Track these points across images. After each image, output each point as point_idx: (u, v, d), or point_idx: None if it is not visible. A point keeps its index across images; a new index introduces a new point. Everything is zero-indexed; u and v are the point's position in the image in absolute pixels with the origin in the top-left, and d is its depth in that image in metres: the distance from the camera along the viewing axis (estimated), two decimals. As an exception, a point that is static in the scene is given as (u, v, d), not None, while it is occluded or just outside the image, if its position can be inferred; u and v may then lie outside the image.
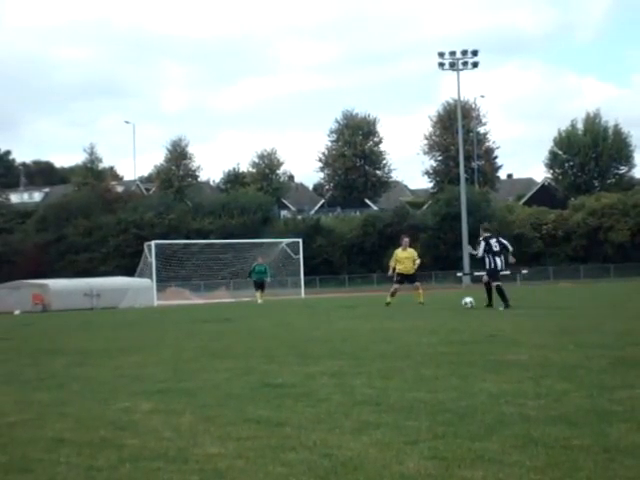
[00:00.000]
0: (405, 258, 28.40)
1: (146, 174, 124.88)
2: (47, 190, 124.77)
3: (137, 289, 48.73)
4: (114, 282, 52.18)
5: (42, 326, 25.58)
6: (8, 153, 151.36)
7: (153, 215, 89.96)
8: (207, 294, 57.97)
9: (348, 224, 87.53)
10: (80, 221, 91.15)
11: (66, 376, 10.45)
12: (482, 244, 24.14)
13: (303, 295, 53.06)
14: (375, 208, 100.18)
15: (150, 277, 50.70)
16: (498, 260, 23.96)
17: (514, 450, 5.37)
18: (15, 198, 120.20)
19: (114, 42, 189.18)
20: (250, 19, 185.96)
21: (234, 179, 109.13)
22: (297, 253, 56.87)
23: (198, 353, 12.78)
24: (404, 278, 28.28)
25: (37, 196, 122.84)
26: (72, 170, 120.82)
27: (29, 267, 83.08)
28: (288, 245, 58.69)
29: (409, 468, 5.04)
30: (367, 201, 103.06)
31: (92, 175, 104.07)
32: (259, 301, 41.24)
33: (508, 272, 25.24)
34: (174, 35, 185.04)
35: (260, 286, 42.80)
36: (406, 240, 28.88)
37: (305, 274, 57.93)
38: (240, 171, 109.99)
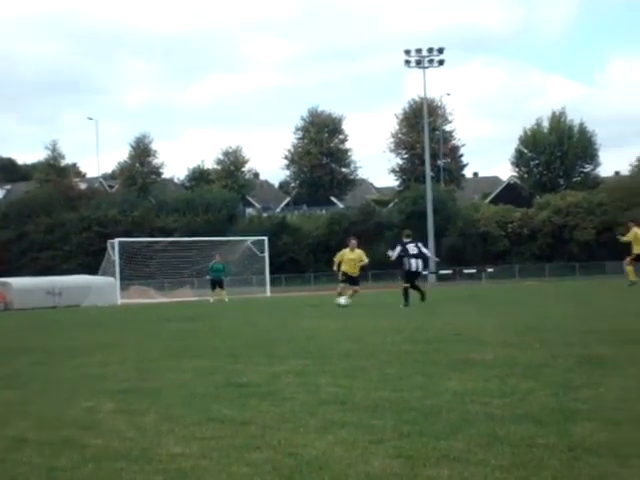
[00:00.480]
0: (351, 259, 28.29)
1: (109, 171, 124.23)
2: (8, 187, 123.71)
3: (100, 287, 48.45)
4: (77, 280, 51.85)
5: (4, 324, 25.39)
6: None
7: (116, 212, 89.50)
8: (171, 293, 57.73)
9: (314, 222, 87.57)
10: (42, 218, 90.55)
11: (29, 375, 10.37)
12: (398, 248, 26.06)
13: (269, 293, 52.99)
14: (341, 206, 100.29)
15: (113, 275, 50.42)
16: (413, 262, 25.74)
17: (479, 449, 5.38)
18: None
19: (78, 37, 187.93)
20: (216, 15, 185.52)
21: (199, 176, 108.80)
22: (262, 251, 56.78)
23: (162, 352, 12.71)
24: (348, 278, 28.23)
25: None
26: (34, 167, 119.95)
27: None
28: (253, 243, 58.57)
29: (374, 467, 5.03)
30: (333, 199, 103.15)
31: (54, 172, 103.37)
32: (211, 300, 41.33)
33: (426, 272, 26.17)
34: (139, 31, 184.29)
35: (217, 284, 42.55)
36: (353, 242, 28.74)
37: (271, 272, 57.88)
38: (205, 168, 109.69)
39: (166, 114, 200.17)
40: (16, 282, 49.27)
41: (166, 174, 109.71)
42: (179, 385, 8.81)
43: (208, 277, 43.31)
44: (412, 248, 25.95)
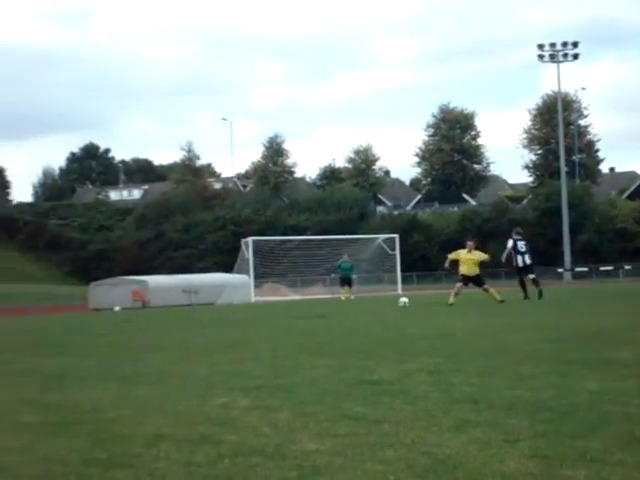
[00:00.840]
0: (468, 259, 27.77)
1: (243, 171, 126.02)
2: (146, 187, 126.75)
3: (234, 285, 49.09)
4: (212, 278, 52.66)
5: (141, 322, 25.96)
6: (108, 151, 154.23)
7: (250, 212, 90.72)
8: (303, 290, 58.14)
9: (445, 219, 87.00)
10: (178, 218, 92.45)
11: (165, 372, 10.55)
12: (510, 242, 28.25)
13: (400, 291, 52.86)
14: (473, 203, 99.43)
15: (247, 273, 51.06)
16: (520, 258, 27.94)
17: (617, 449, 5.24)
18: (115, 195, 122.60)
19: (209, 40, 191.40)
20: (344, 14, 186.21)
21: (330, 175, 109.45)
22: (393, 249, 56.65)
23: (295, 349, 12.79)
24: (468, 280, 27.82)
25: (136, 193, 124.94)
26: (170, 168, 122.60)
27: (128, 264, 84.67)
28: (384, 241, 58.51)
29: (509, 467, 4.95)
30: (465, 196, 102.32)
31: (190, 172, 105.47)
32: (342, 297, 41.41)
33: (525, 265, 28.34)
34: (269, 32, 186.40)
35: (346, 282, 42.71)
36: (470, 244, 28.18)
37: (402, 270, 57.69)
38: (336, 167, 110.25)
39: (297, 113, 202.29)
40: (153, 280, 50.36)
41: (298, 173, 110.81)
42: (312, 382, 8.85)
43: (334, 275, 43.50)
44: (521, 245, 28.03)
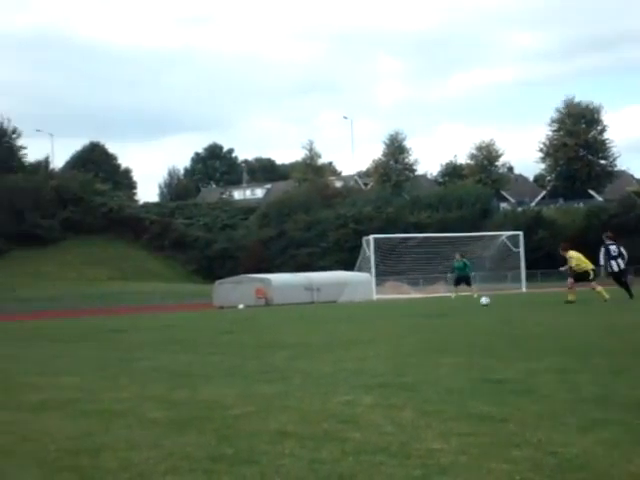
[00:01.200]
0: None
1: (364, 169, 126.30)
2: (268, 186, 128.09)
3: (356, 283, 49.21)
4: (334, 276, 52.89)
5: (264, 320, 26.23)
6: (231, 151, 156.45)
7: (371, 209, 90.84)
8: (425, 288, 57.90)
9: (571, 216, 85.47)
10: (300, 216, 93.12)
11: (288, 369, 10.62)
12: (602, 250, 28.06)
13: (524, 289, 52.20)
14: (599, 199, 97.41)
15: (369, 271, 51.13)
16: (614, 263, 27.81)
17: None
18: (238, 195, 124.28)
19: (329, 39, 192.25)
20: (464, 8, 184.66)
21: (452, 172, 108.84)
22: (517, 246, 55.97)
23: (417, 347, 12.75)
24: (578, 275, 28.19)
25: (259, 192, 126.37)
26: (292, 166, 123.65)
27: (251, 262, 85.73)
28: (508, 238, 57.85)
29: (638, 467, 4.83)
30: (591, 192, 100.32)
31: (311, 171, 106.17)
32: (452, 296, 41.05)
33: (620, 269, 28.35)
34: (389, 29, 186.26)
35: (463, 281, 42.49)
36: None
37: (526, 268, 56.94)
38: (458, 163, 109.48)
39: (418, 110, 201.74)
40: (276, 279, 50.86)
41: (419, 170, 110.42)
42: (435, 380, 8.80)
43: (450, 274, 43.54)
44: (614, 249, 27.98)
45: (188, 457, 5.64)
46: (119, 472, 5.32)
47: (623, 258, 28.12)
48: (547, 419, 6.39)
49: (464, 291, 41.88)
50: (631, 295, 27.38)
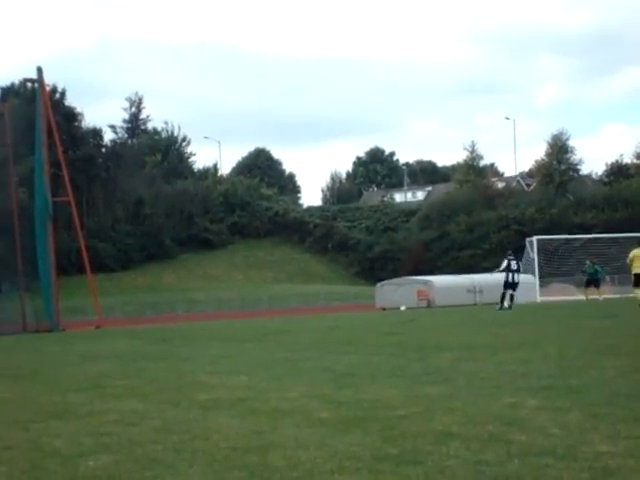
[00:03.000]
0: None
1: (526, 169, 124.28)
2: (429, 189, 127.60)
3: (520, 285, 48.48)
4: (496, 278, 52.24)
5: (426, 321, 26.19)
6: (392, 154, 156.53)
7: (534, 210, 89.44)
8: (590, 290, 56.50)
9: None
10: (462, 218, 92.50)
11: (452, 371, 10.62)
12: (504, 263, 34.84)
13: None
14: None
15: (532, 273, 50.34)
16: (514, 275, 34.25)
17: None
18: (399, 197, 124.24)
19: (489, 40, 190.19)
20: (627, 6, 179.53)
21: (617, 171, 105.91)
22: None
23: (583, 350, 12.54)
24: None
25: (420, 195, 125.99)
26: (453, 168, 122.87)
27: (413, 264, 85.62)
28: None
29: None
30: None
31: (473, 172, 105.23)
32: (585, 298, 43.36)
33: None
34: (549, 27, 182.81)
35: (591, 284, 44.88)
36: None
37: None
38: (623, 163, 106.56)
39: (581, 110, 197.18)
40: (438, 280, 50.70)
41: (584, 170, 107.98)
42: (601, 383, 8.66)
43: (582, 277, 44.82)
44: (514, 264, 34.75)
45: (354, 457, 5.73)
46: (287, 470, 5.46)
47: (519, 272, 35.09)
48: None
49: (593, 293, 44.02)
50: (510, 307, 33.15)
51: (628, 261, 29.75)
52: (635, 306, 27.01)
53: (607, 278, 45.98)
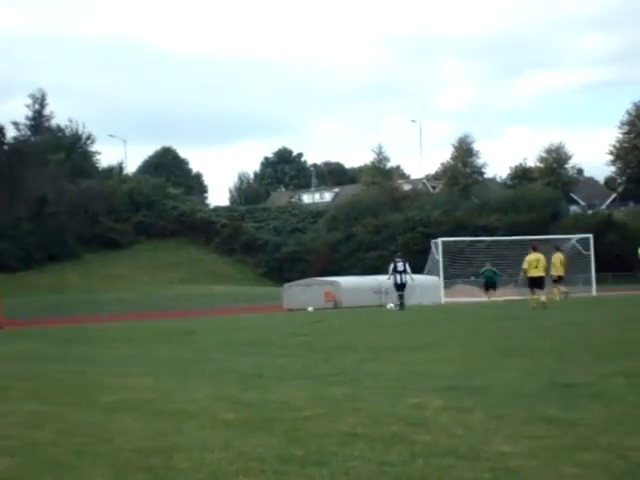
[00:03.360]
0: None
1: (432, 172, 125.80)
2: (337, 190, 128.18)
3: (425, 286, 48.97)
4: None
5: (333, 322, 26.28)
6: (300, 155, 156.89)
7: (440, 213, 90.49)
8: (494, 291, 57.40)
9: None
10: (369, 220, 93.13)
11: (358, 372, 10.67)
12: (391, 265, 36.86)
13: (594, 293, 51.57)
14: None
15: (437, 274, 50.87)
16: (398, 276, 36.14)
17: None
18: (307, 198, 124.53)
19: (395, 44, 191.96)
20: (531, 11, 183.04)
21: (521, 175, 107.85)
22: (588, 249, 55.29)
23: (487, 351, 12.72)
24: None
25: (328, 196, 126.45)
26: (361, 170, 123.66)
27: (320, 265, 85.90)
28: (578, 241, 57.16)
29: None
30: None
31: (380, 174, 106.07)
32: (491, 299, 44.87)
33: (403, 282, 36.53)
34: (454, 32, 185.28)
35: (489, 287, 46.95)
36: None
37: (596, 271, 56.20)
38: (527, 166, 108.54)
39: (485, 114, 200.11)
40: (344, 281, 50.89)
41: (488, 174, 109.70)
42: (505, 384, 8.79)
43: (475, 279, 46.30)
44: (400, 265, 36.60)
45: (259, 458, 5.73)
46: (192, 472, 5.43)
47: (407, 273, 36.38)
48: (617, 423, 6.37)
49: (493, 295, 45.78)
50: (402, 307, 34.85)
51: (525, 265, 30.94)
52: (536, 308, 27.54)
53: (515, 280, 46.97)
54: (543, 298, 29.19)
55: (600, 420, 6.50)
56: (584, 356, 11.09)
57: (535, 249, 31.11)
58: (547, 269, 31.52)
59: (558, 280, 37.50)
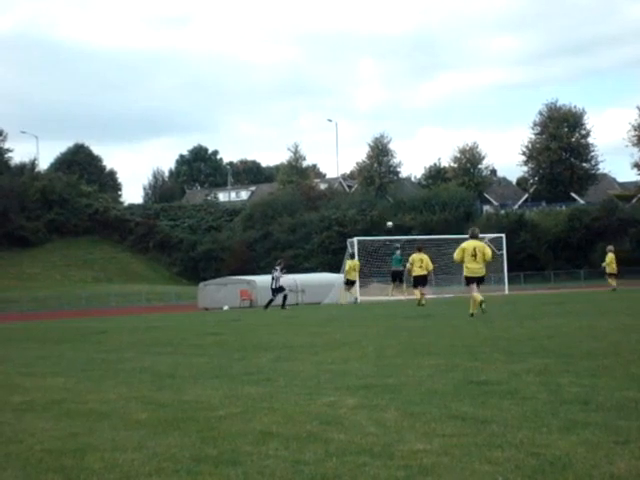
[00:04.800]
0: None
1: (348, 171, 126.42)
2: (253, 188, 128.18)
3: (341, 285, 49.19)
4: (318, 278, 52.87)
5: (249, 321, 26.24)
6: (216, 153, 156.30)
7: (355, 212, 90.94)
8: (409, 290, 57.86)
9: (553, 219, 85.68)
10: (285, 218, 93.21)
11: (273, 371, 10.67)
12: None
13: (507, 291, 52.33)
14: (582, 202, 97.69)
15: (353, 273, 51.02)
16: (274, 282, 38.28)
17: None
18: (223, 197, 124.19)
19: (309, 42, 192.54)
20: (443, 12, 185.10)
21: (435, 174, 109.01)
22: (500, 249, 56.07)
23: (401, 349, 12.79)
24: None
25: (244, 194, 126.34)
26: (277, 168, 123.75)
27: (236, 264, 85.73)
28: (491, 241, 57.91)
29: (620, 468, 4.89)
30: (573, 195, 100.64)
31: (296, 173, 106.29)
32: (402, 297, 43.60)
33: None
34: (368, 32, 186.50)
35: (396, 280, 44.72)
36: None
37: (509, 270, 57.05)
38: (441, 166, 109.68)
39: (399, 114, 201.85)
40: (261, 280, 50.79)
41: (403, 173, 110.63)
42: (418, 382, 8.85)
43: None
44: (277, 274, 37.79)
45: (172, 458, 5.68)
46: (104, 473, 5.37)
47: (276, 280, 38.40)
48: (529, 420, 6.45)
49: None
50: (266, 307, 37.79)
51: (409, 265, 33.89)
52: (448, 306, 27.96)
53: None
54: (421, 295, 32.18)
55: (512, 418, 6.58)
56: (496, 354, 11.22)
57: (420, 250, 34.25)
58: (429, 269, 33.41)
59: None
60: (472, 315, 20.90)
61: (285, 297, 38.57)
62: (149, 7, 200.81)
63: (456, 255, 22.04)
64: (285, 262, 42.21)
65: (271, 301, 38.76)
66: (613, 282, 39.53)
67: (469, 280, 21.94)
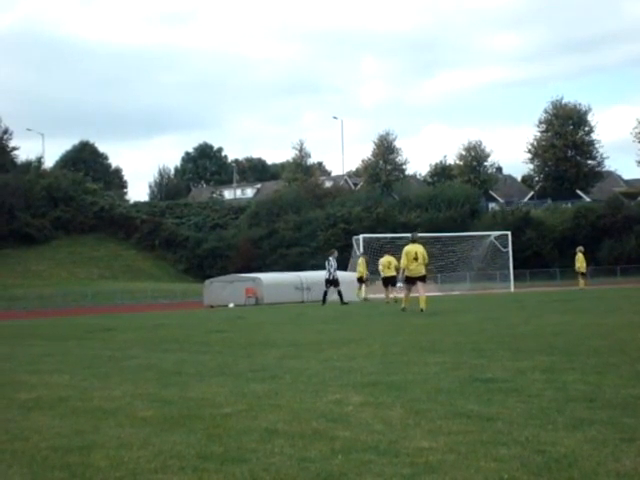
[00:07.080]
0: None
1: (354, 169, 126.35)
2: (259, 186, 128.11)
3: (347, 283, 49.11)
4: (324, 276, 52.65)
5: (255, 319, 26.23)
6: (221, 150, 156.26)
7: (361, 209, 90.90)
8: (415, 287, 57.77)
9: (559, 216, 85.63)
10: (290, 216, 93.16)
11: (278, 368, 10.65)
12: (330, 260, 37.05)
13: (512, 289, 52.31)
14: (587, 199, 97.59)
15: (359, 271, 50.95)
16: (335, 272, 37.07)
17: None
18: (228, 194, 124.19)
19: (315, 40, 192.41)
20: (448, 10, 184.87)
21: (441, 172, 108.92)
22: (506, 246, 56.02)
23: (406, 346, 12.78)
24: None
25: (249, 192, 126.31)
26: (282, 166, 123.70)
27: (242, 261, 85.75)
28: (496, 238, 57.88)
29: (625, 465, 4.89)
30: (579, 192, 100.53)
31: (301, 171, 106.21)
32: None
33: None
34: (373, 30, 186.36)
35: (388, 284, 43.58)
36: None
37: (514, 267, 56.99)
38: (447, 164, 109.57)
39: (403, 112, 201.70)
40: (266, 278, 50.78)
41: (409, 171, 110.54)
42: (424, 379, 8.84)
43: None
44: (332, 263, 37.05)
45: (178, 455, 5.68)
46: (109, 470, 5.36)
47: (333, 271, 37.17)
48: (535, 418, 6.44)
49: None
50: (323, 303, 36.03)
51: (380, 267, 36.14)
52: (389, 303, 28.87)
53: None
54: (394, 295, 34.31)
55: (518, 415, 6.58)
56: (502, 352, 11.21)
57: (387, 253, 37.48)
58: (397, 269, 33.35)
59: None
60: (404, 310, 24.39)
61: (340, 293, 36.57)
62: (154, 4, 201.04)
63: (402, 260, 25.03)
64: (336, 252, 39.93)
65: (325, 294, 37.06)
66: (582, 282, 40.17)
67: (409, 280, 25.04)
